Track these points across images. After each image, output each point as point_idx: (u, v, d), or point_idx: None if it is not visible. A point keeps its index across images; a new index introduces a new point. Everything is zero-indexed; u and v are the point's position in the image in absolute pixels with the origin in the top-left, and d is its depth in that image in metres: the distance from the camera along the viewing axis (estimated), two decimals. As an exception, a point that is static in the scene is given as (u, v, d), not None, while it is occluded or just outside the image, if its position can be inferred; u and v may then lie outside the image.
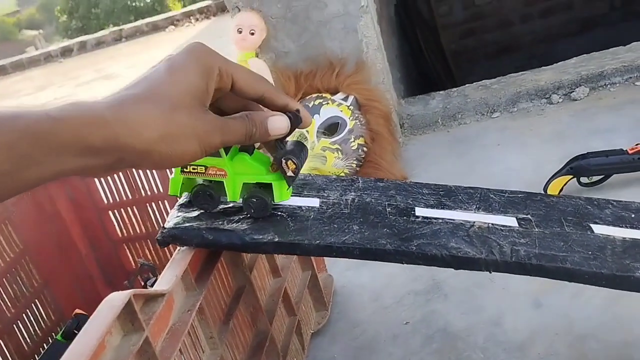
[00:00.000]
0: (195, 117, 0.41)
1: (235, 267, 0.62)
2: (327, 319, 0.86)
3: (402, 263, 0.52)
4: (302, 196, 0.60)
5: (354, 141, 1.22)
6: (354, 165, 1.22)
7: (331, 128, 1.23)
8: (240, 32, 1.28)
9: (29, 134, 0.34)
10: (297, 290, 0.81)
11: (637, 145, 0.96)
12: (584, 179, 0.99)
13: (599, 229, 0.56)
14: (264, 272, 0.72)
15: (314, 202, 0.58)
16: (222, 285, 0.61)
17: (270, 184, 0.52)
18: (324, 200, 0.59)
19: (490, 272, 0.52)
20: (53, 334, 0.91)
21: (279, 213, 0.56)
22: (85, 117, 0.36)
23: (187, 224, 0.54)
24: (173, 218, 0.55)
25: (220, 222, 0.54)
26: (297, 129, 0.49)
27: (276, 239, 0.52)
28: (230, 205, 0.57)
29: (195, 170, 0.50)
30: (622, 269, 0.51)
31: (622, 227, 0.57)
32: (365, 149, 1.24)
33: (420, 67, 2.56)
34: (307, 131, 1.22)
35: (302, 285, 0.82)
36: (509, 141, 1.27)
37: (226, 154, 0.50)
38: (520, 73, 1.43)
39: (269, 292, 0.72)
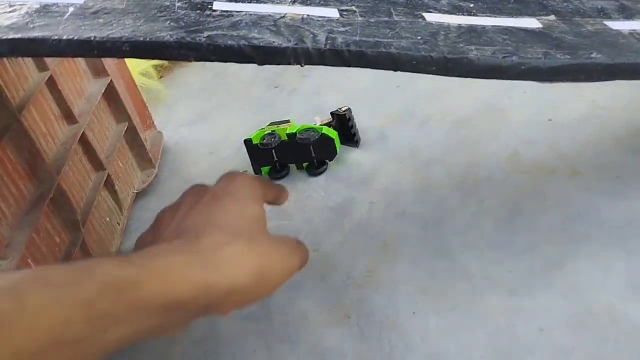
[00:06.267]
0: (272, 246, 0.37)
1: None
2: (153, 177, 0.74)
3: (189, 60, 0.41)
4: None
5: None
6: None
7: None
8: None
9: (110, 286, 0.28)
10: (109, 143, 0.68)
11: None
12: None
13: (432, 17, 0.48)
14: (52, 117, 0.58)
15: None
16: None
17: None
18: (97, -1, 0.45)
19: (302, 65, 0.42)
20: None
21: (26, 10, 0.42)
22: (172, 262, 0.31)
23: None
24: None
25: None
26: None
27: (11, 36, 0.38)
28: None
29: None
30: (454, 51, 0.43)
31: (458, 14, 0.49)
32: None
33: None
34: None
35: (115, 138, 0.69)
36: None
37: None
38: None
39: (60, 140, 0.58)
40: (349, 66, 0.42)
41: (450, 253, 0.53)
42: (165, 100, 0.97)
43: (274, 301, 0.53)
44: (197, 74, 1.05)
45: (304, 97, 0.87)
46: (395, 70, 0.43)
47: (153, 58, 0.41)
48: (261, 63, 0.42)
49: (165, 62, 1.05)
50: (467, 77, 0.43)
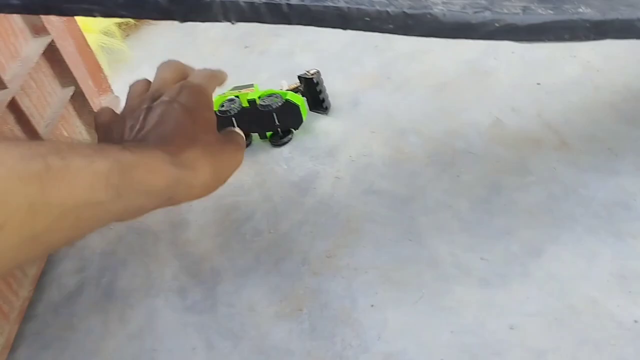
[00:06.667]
0: (222, 148, 0.42)
1: None
2: (105, 146, 0.68)
3: (94, 15, 0.34)
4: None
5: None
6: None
7: None
8: None
9: (118, 164, 0.33)
10: (51, 110, 0.61)
11: None
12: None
13: (395, -35, 0.41)
14: (-24, 82, 0.52)
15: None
16: None
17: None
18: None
19: (233, 23, 0.35)
20: None
21: None
22: (154, 156, 0.36)
23: None
24: None
25: None
26: None
27: None
28: None
29: None
30: (416, 5, 0.36)
31: (427, -38, 0.42)
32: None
33: None
34: None
35: (59, 104, 0.63)
36: None
37: None
38: None
39: (-14, 108, 0.52)
40: (290, 23, 0.36)
41: (419, 236, 0.47)
42: (129, 61, 0.90)
43: (221, 290, 0.48)
44: (165, 33, 0.97)
45: (275, 58, 0.80)
46: (344, 28, 0.36)
47: (49, 13, 0.34)
48: (183, 20, 0.35)
49: (131, 20, 0.97)
50: (431, 36, 0.37)
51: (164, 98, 0.43)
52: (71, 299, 0.51)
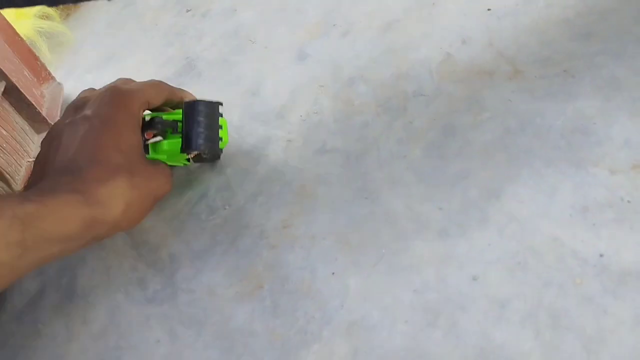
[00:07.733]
0: (147, 175, 0.42)
1: None
2: (52, 139, 0.65)
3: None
4: None
5: None
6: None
7: None
8: None
9: (18, 219, 0.32)
10: (-17, 111, 0.58)
11: None
12: None
13: None
14: None
15: None
16: None
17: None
18: None
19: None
20: None
21: None
22: (63, 200, 0.35)
23: None
24: None
25: None
26: None
27: None
28: None
29: None
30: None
31: None
32: None
33: None
34: None
35: (-9, 103, 0.60)
36: None
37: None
38: None
39: None
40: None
41: (375, 192, 0.45)
42: (71, 43, 0.86)
43: (180, 276, 0.46)
44: (105, 7, 0.92)
45: (218, 19, 0.76)
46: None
47: None
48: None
49: (67, -2, 0.92)
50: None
51: (86, 112, 0.42)
52: (33, 304, 0.50)
